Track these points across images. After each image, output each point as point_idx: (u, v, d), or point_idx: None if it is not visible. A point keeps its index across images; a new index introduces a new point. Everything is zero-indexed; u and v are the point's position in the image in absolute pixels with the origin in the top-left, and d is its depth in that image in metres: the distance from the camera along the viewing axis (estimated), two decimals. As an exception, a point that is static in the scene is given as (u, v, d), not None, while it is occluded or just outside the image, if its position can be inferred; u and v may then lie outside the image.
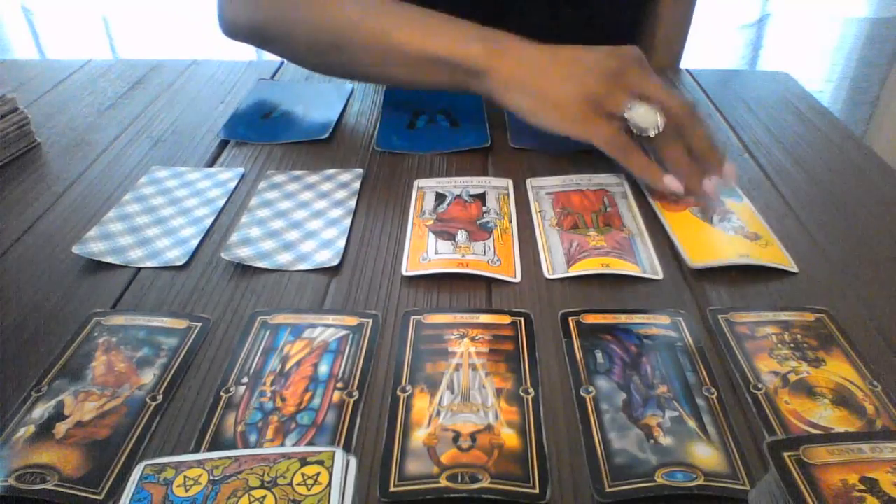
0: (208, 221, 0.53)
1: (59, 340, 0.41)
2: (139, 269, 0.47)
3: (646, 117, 0.53)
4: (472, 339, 0.40)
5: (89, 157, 0.62)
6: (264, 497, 0.28)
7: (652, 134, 0.53)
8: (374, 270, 0.47)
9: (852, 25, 1.46)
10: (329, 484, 0.29)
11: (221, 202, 0.55)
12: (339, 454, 0.30)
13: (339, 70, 0.70)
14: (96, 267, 0.47)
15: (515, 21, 0.84)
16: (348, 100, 0.74)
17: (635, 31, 0.90)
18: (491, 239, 0.50)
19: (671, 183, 0.53)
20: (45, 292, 0.45)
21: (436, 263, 0.47)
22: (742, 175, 0.59)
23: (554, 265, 0.47)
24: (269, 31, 0.67)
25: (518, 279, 0.46)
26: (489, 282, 0.46)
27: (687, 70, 0.82)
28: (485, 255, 0.48)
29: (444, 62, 0.58)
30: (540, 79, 0.56)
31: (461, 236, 0.49)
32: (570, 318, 0.42)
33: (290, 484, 0.29)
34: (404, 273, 0.46)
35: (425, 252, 0.48)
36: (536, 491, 0.31)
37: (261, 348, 0.40)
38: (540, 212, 0.54)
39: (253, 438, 0.34)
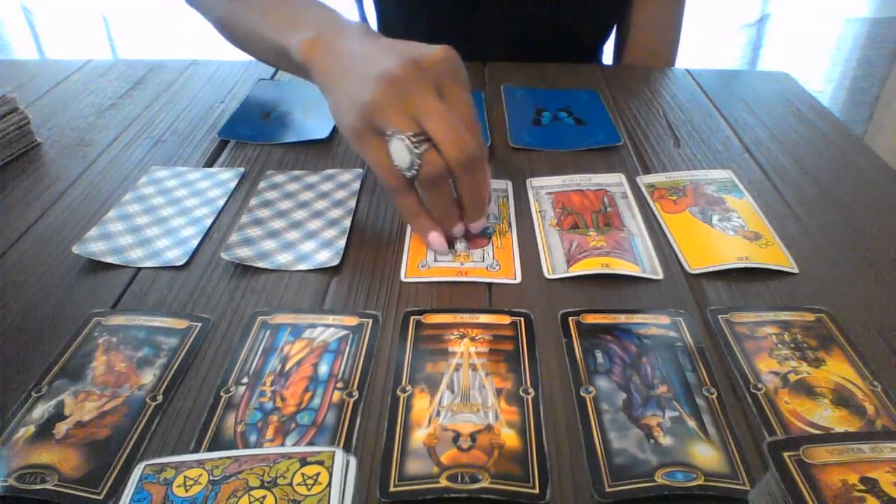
0: (208, 221, 0.53)
1: (59, 340, 0.41)
2: (139, 269, 0.47)
3: (401, 154, 0.43)
4: (472, 339, 0.40)
5: (89, 157, 0.62)
6: (264, 497, 0.28)
7: (408, 174, 0.44)
8: (374, 270, 0.47)
9: (852, 25, 1.47)
10: (329, 484, 0.29)
11: (221, 202, 0.55)
12: (339, 454, 0.30)
13: (236, 45, 0.66)
14: (96, 267, 0.47)
15: (487, 16, 0.84)
16: (348, 100, 0.74)
17: (620, 32, 0.90)
18: (490, 245, 0.50)
19: (434, 240, 0.48)
20: (45, 292, 0.45)
21: (434, 271, 0.47)
22: (742, 175, 0.59)
23: (554, 265, 0.47)
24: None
25: (518, 279, 0.46)
26: (489, 282, 0.46)
27: (687, 70, 0.82)
28: (483, 261, 0.48)
29: (280, 52, 0.53)
30: (342, 78, 0.47)
31: (460, 245, 0.49)
32: (570, 318, 0.42)
33: (290, 484, 0.29)
34: (403, 280, 0.46)
35: (424, 259, 0.48)
36: (536, 491, 0.31)
37: (261, 348, 0.40)
38: (540, 212, 0.54)
39: (253, 438, 0.34)
